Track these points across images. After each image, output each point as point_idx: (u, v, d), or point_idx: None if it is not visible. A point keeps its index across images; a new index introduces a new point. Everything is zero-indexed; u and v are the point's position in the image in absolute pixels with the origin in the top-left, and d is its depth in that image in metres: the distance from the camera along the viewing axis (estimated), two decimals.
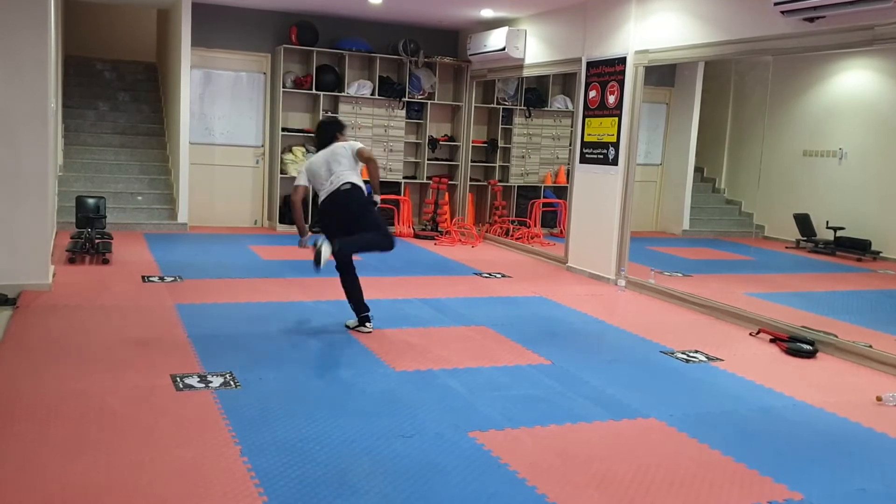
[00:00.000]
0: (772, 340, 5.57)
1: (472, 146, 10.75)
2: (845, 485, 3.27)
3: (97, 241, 7.36)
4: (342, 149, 5.35)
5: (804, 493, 3.15)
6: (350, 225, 5.19)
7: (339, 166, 5.25)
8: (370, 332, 5.25)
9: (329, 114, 5.71)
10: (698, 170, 9.41)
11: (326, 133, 5.52)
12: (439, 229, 10.39)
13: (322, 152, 5.40)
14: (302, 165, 5.61)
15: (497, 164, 10.91)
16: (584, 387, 4.36)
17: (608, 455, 3.43)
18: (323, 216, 5.35)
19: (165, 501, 2.80)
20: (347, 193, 5.18)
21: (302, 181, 5.38)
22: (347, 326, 5.37)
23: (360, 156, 5.32)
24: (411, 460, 3.25)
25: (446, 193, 10.70)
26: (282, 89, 9.90)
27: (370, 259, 8.26)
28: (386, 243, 5.30)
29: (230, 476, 3.02)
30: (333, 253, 5.06)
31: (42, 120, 5.75)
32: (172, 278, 6.65)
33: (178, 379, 4.10)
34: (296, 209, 5.36)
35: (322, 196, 5.29)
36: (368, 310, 5.34)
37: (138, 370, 4.23)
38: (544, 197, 10.86)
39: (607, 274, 7.63)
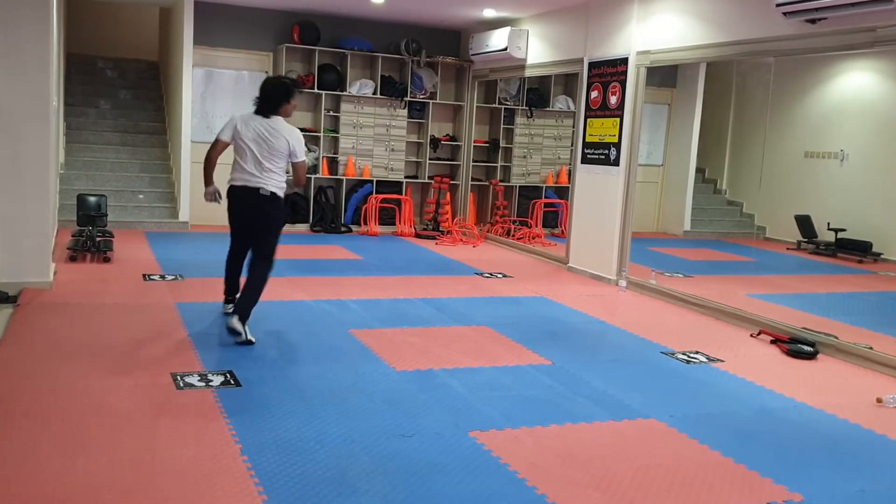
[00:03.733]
0: (772, 342, 5.57)
1: (474, 146, 10.75)
2: (845, 486, 3.27)
3: (98, 239, 7.36)
4: (284, 139, 4.88)
5: (804, 494, 3.15)
6: (250, 227, 4.99)
7: (272, 161, 4.86)
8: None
9: (286, 76, 5.12)
10: (700, 171, 9.40)
11: (272, 99, 4.93)
12: (440, 229, 10.39)
13: (261, 122, 4.89)
14: (232, 117, 5.02)
15: (499, 164, 10.91)
16: (584, 387, 4.36)
17: (608, 455, 3.42)
18: (232, 202, 5.00)
19: (165, 500, 2.80)
20: (268, 201, 4.89)
21: (225, 137, 4.94)
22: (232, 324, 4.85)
23: (296, 173, 5.00)
24: (411, 460, 3.25)
25: (448, 193, 10.70)
26: None
27: (371, 258, 8.27)
28: (268, 274, 4.97)
29: (230, 475, 3.02)
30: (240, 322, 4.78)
31: (44, 118, 5.75)
32: (173, 277, 6.65)
33: (178, 377, 4.10)
34: (210, 163, 5.07)
35: (237, 180, 4.92)
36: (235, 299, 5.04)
37: (139, 368, 4.24)
38: (546, 197, 10.85)
39: (608, 274, 7.63)
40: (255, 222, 4.97)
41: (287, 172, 5.01)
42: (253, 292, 4.87)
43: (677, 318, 6.30)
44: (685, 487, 3.15)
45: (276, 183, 4.91)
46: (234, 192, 4.98)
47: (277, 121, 4.93)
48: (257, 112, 4.95)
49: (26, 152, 5.71)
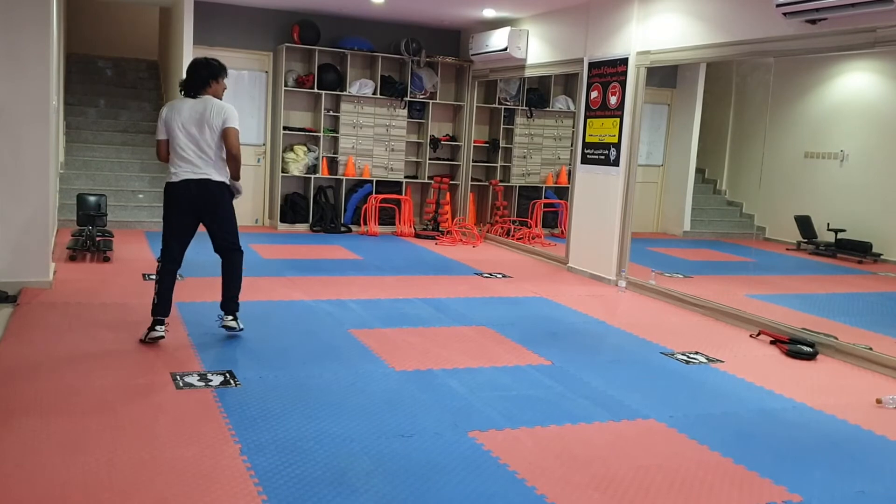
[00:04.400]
0: (772, 342, 5.57)
1: (474, 146, 10.75)
2: (845, 487, 3.27)
3: (98, 238, 7.37)
4: (218, 113, 4.59)
5: (804, 494, 3.15)
6: (209, 224, 4.77)
7: (210, 144, 4.59)
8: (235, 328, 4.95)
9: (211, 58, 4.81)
10: (699, 171, 9.40)
11: (198, 77, 4.66)
12: (440, 229, 10.39)
13: (191, 103, 4.63)
14: (160, 114, 4.77)
15: (498, 164, 10.91)
16: (584, 387, 4.36)
17: (608, 456, 3.42)
18: (176, 200, 4.69)
19: (165, 499, 2.80)
20: (220, 191, 4.70)
21: (161, 135, 4.70)
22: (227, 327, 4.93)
23: (226, 140, 4.59)
24: (411, 460, 3.25)
25: (447, 193, 10.70)
26: (283, 88, 9.90)
27: (371, 258, 8.27)
28: (242, 264, 5.00)
29: (229, 474, 3.02)
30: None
31: (43, 118, 5.75)
32: None
33: (178, 377, 4.10)
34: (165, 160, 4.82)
35: (179, 175, 4.62)
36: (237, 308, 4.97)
37: (138, 368, 4.24)
38: (545, 197, 10.85)
39: (608, 275, 7.63)
40: (209, 217, 4.77)
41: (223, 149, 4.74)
42: (238, 288, 4.98)
43: (677, 319, 6.30)
44: (685, 488, 3.16)
45: (221, 171, 4.70)
46: (176, 188, 4.67)
47: (208, 97, 4.67)
48: (186, 95, 4.70)
49: (26, 152, 5.71)
